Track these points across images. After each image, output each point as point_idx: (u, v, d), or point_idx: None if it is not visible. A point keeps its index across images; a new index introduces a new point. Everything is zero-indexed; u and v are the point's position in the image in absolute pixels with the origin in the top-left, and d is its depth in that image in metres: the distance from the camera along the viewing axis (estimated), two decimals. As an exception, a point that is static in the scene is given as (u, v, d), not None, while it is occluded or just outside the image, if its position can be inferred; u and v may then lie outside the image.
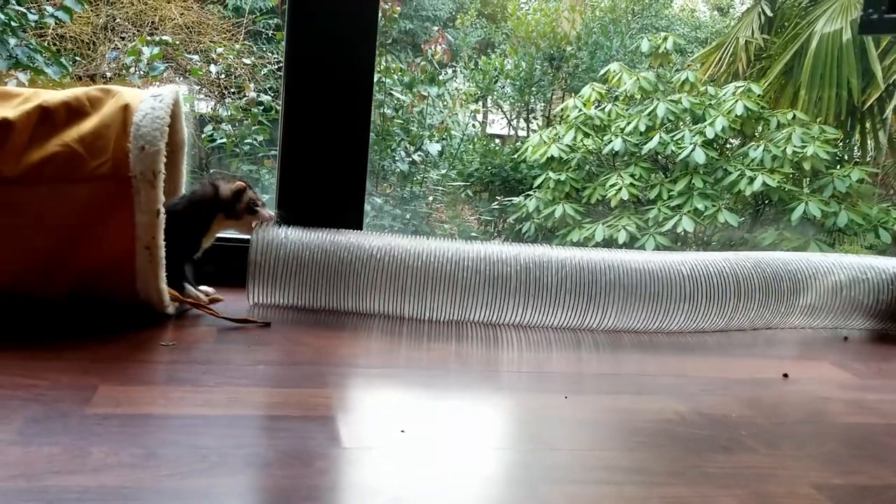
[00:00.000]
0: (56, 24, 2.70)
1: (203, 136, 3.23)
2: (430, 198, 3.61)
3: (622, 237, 3.12)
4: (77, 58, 3.16)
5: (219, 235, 1.28)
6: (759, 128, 3.19)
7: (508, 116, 4.60)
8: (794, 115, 3.11)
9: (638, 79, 3.35)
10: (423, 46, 3.72)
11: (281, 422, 0.89)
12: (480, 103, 4.45)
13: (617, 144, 3.30)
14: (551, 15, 4.21)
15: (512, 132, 4.67)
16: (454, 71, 4.30)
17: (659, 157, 3.36)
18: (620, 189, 3.22)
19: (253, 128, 3.12)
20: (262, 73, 3.30)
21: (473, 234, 3.80)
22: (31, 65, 2.35)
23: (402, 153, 3.34)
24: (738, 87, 3.18)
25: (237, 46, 3.35)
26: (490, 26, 4.69)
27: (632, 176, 3.24)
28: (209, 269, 1.30)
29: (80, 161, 1.03)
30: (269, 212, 1.28)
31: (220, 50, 3.34)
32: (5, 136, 1.03)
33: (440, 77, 3.77)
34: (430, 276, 1.32)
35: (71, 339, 1.09)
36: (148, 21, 3.39)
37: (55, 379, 0.94)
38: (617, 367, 1.25)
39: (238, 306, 1.29)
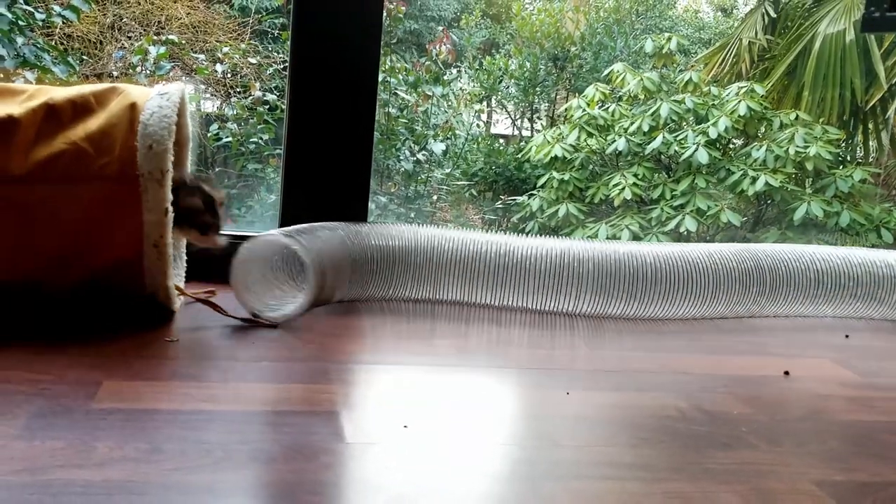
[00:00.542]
0: (63, 23, 2.71)
1: (209, 134, 3.24)
2: (435, 197, 3.61)
3: (625, 237, 3.12)
4: (84, 57, 3.17)
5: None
6: (762, 128, 3.19)
7: (512, 116, 4.60)
8: (797, 116, 3.11)
9: (641, 79, 3.35)
10: (427, 46, 3.73)
11: (285, 417, 0.90)
12: (485, 103, 4.46)
13: (620, 144, 3.30)
14: (555, 15, 4.21)
15: (516, 132, 4.67)
16: (459, 71, 4.31)
17: (662, 156, 3.37)
18: (624, 189, 3.22)
19: (258, 126, 3.13)
20: (268, 72, 3.31)
21: (477, 233, 3.78)
22: (38, 63, 2.36)
23: (407, 152, 3.35)
24: (742, 87, 3.19)
25: (243, 46, 3.36)
26: (495, 26, 4.70)
27: (635, 175, 3.24)
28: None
29: (88, 159, 1.04)
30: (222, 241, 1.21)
31: (225, 49, 3.35)
32: (11, 133, 1.04)
33: (445, 77, 3.78)
34: (443, 262, 1.33)
35: (76, 335, 1.09)
36: (154, 20, 3.40)
37: (60, 374, 0.94)
38: (619, 363, 1.26)
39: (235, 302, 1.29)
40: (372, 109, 1.43)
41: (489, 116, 4.65)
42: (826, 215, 2.92)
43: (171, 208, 1.07)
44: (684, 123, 3.25)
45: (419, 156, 3.37)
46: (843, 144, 3.24)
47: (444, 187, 3.68)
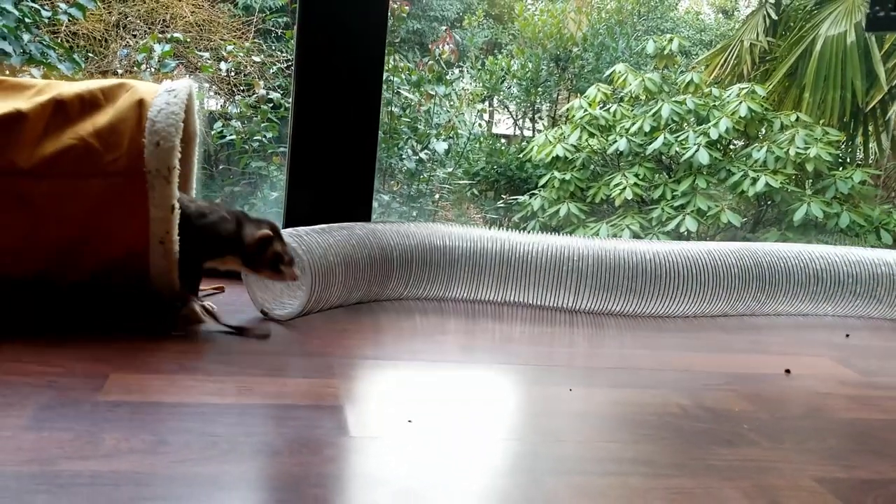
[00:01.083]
0: (69, 20, 2.72)
1: (213, 132, 3.25)
2: (437, 195, 3.62)
3: (626, 237, 3.13)
4: (89, 54, 3.18)
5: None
6: (763, 129, 3.20)
7: (514, 116, 4.61)
8: (798, 117, 3.12)
9: (643, 80, 3.36)
10: (430, 46, 3.74)
11: (290, 411, 0.91)
12: (487, 103, 4.47)
13: (621, 144, 3.31)
14: (558, 16, 4.22)
15: (518, 132, 4.68)
16: (461, 71, 4.32)
17: (663, 157, 3.38)
18: (625, 189, 3.23)
19: (262, 125, 3.14)
20: (272, 70, 3.32)
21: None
22: (44, 61, 2.37)
23: (410, 151, 3.36)
24: (743, 88, 3.19)
25: (247, 44, 3.37)
26: (497, 27, 4.71)
27: (636, 176, 3.25)
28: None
29: (95, 155, 1.04)
30: (296, 271, 1.16)
31: (230, 48, 3.36)
32: (19, 127, 1.04)
33: (447, 76, 3.79)
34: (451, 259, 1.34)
35: (84, 329, 1.10)
36: (159, 19, 3.41)
37: (68, 367, 0.95)
38: (621, 361, 1.26)
39: (242, 300, 1.30)
40: (376, 109, 1.44)
41: (491, 116, 4.66)
42: (826, 216, 2.93)
43: (177, 205, 1.07)
44: (685, 124, 3.25)
45: (422, 155, 3.38)
46: (844, 146, 3.25)
47: (447, 186, 3.69)
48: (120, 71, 3.19)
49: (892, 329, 1.60)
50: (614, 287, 1.42)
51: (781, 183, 2.98)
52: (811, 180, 3.16)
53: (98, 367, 0.96)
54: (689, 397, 1.11)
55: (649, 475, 0.86)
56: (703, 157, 3.07)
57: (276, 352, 1.11)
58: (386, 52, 1.53)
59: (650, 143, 3.25)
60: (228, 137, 3.13)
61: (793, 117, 3.13)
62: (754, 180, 2.97)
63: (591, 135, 3.45)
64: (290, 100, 1.46)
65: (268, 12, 3.45)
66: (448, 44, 3.62)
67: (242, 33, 3.56)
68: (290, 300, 1.26)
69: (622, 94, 3.51)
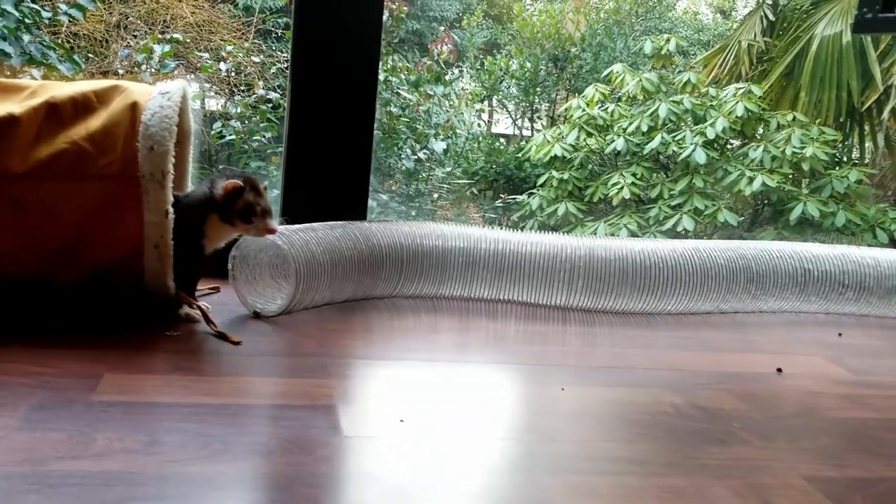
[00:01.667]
0: (69, 21, 2.72)
1: (213, 132, 3.25)
2: (436, 195, 3.63)
3: (623, 235, 3.13)
4: (90, 55, 3.19)
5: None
6: (760, 129, 3.21)
7: (513, 116, 4.61)
8: (794, 117, 3.13)
9: (640, 80, 3.37)
10: (429, 46, 3.74)
11: (284, 411, 0.91)
12: (486, 103, 4.47)
13: (619, 144, 3.32)
14: (556, 16, 4.22)
15: (517, 132, 4.69)
16: (461, 71, 4.32)
17: (660, 156, 3.38)
18: (622, 188, 3.24)
19: (261, 125, 3.14)
20: (272, 71, 3.33)
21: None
22: (44, 61, 2.38)
23: (408, 151, 3.36)
24: (739, 88, 3.20)
25: (246, 45, 3.37)
26: (496, 27, 4.71)
27: (633, 175, 3.26)
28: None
29: (89, 159, 1.05)
30: (272, 224, 1.12)
31: (229, 48, 3.36)
32: (12, 132, 1.05)
33: (446, 77, 3.79)
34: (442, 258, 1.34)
35: (78, 329, 1.11)
36: (160, 19, 3.43)
37: (62, 367, 0.96)
38: (614, 360, 1.27)
39: (237, 300, 1.30)
40: (372, 108, 1.44)
41: (490, 116, 4.66)
42: (822, 215, 2.93)
43: (171, 210, 1.07)
44: (682, 124, 3.26)
45: (420, 154, 3.39)
46: (840, 145, 3.25)
47: (445, 185, 3.70)
48: (121, 71, 3.19)
49: (884, 327, 1.60)
50: (606, 285, 1.42)
51: (778, 182, 2.99)
52: (807, 179, 3.17)
53: (93, 367, 0.96)
54: (681, 396, 1.11)
55: (642, 474, 0.87)
56: (700, 156, 3.08)
57: (270, 352, 1.12)
58: (384, 51, 1.54)
59: (647, 143, 3.26)
60: (228, 137, 3.13)
61: (789, 117, 3.13)
62: (751, 179, 2.98)
63: (589, 134, 3.46)
64: (287, 100, 1.46)
65: (268, 13, 3.46)
66: (447, 44, 3.62)
67: (243, 34, 3.56)
68: (277, 296, 1.26)
69: (620, 93, 3.51)
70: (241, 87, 3.30)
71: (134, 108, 1.06)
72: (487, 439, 0.92)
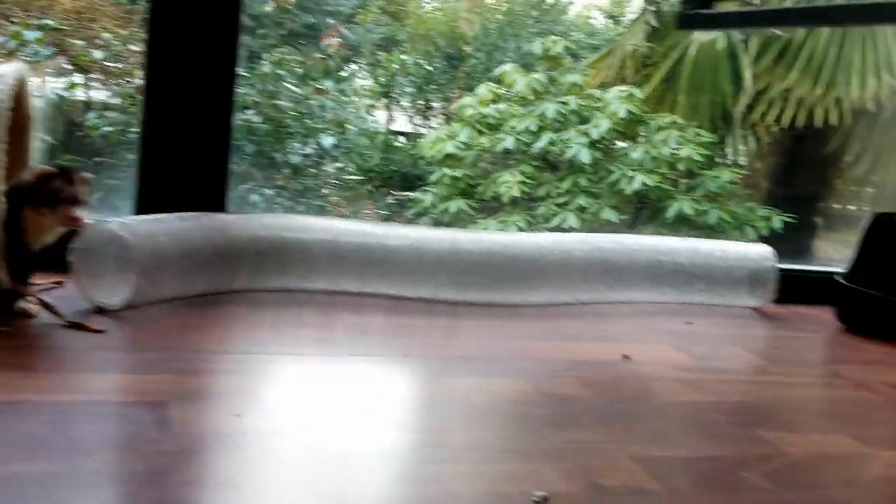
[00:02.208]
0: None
1: (88, 123, 3.13)
2: (326, 191, 3.60)
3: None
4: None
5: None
6: (641, 130, 3.34)
7: (409, 113, 4.63)
8: (673, 119, 3.27)
9: (529, 80, 3.44)
10: (317, 39, 3.71)
11: (111, 408, 0.89)
12: (382, 99, 4.47)
13: (509, 143, 3.38)
14: (451, 15, 4.26)
15: (415, 129, 4.70)
16: (356, 66, 4.31)
17: (548, 156, 3.47)
18: (512, 186, 3.30)
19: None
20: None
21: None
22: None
23: (297, 145, 3.33)
24: (623, 91, 3.32)
25: (124, 33, 3.26)
26: (393, 23, 4.71)
27: (523, 174, 3.33)
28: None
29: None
30: (76, 213, 1.07)
31: (106, 36, 3.25)
32: None
33: (341, 72, 3.76)
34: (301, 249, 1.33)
35: None
36: (37, 5, 3.28)
37: None
38: (473, 351, 1.29)
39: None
40: (230, 94, 1.41)
41: (389, 113, 4.66)
42: (696, 213, 3.08)
43: (2, 199, 1.02)
44: (568, 124, 3.35)
45: (309, 149, 3.36)
46: (714, 147, 3.42)
47: (336, 182, 3.68)
48: (-1, 59, 3.04)
49: (730, 316, 1.69)
50: (471, 277, 1.44)
51: (656, 181, 3.11)
52: (684, 179, 3.32)
53: (-90, 361, 0.91)
54: (532, 384, 1.14)
55: (478, 461, 0.88)
56: (585, 156, 3.18)
57: (110, 347, 1.08)
58: (272, 44, 1.51)
59: (536, 142, 3.33)
60: (104, 129, 3.02)
61: (668, 119, 3.27)
62: (631, 179, 3.10)
63: (481, 133, 3.51)
64: (143, 84, 1.42)
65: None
66: (335, 38, 3.60)
67: (126, 22, 3.45)
68: (123, 290, 1.22)
69: (510, 93, 3.58)
70: (120, 77, 3.19)
71: (-40, 91, 1.01)
72: (328, 432, 0.92)
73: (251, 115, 3.27)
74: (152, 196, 1.40)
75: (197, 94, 1.42)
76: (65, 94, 3.16)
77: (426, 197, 3.59)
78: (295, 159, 3.23)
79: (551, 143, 3.29)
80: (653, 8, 3.63)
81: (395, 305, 1.46)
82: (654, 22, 3.59)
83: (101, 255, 1.21)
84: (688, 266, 1.62)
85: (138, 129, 1.42)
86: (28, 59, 2.96)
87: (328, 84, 3.46)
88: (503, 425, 1.00)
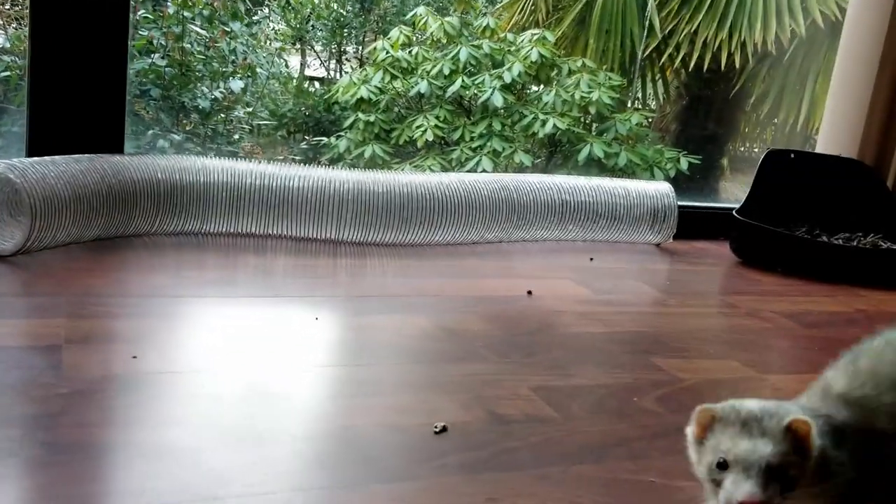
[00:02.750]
0: None
1: (-12, 68, 2.94)
2: (236, 136, 3.51)
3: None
4: None
5: None
6: (553, 74, 3.35)
7: (322, 58, 4.52)
8: (584, 63, 3.29)
9: (442, 23, 3.40)
10: (225, -21, 3.56)
11: (5, 352, 0.86)
12: (295, 44, 4.35)
13: (423, 87, 3.35)
14: (363, -45, 4.14)
15: (329, 74, 4.60)
16: (268, 9, 4.16)
17: (462, 100, 3.45)
18: (426, 131, 3.28)
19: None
20: None
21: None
22: None
23: (205, 89, 3.21)
24: (535, 34, 3.32)
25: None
26: (304, -36, 4.56)
27: (437, 118, 3.31)
28: None
29: None
30: None
31: (-4, -25, 3.04)
32: None
33: (252, 16, 3.63)
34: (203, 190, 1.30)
35: None
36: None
37: None
38: (376, 290, 1.30)
39: None
40: (124, 32, 1.35)
41: (303, 57, 4.54)
42: (606, 156, 3.13)
43: None
44: (482, 68, 3.34)
45: (217, 94, 3.25)
46: (624, 91, 3.47)
47: (247, 127, 3.58)
48: None
49: (632, 252, 1.75)
50: (376, 217, 1.44)
51: (568, 125, 3.14)
52: (595, 123, 3.36)
53: None
54: (436, 321, 1.16)
55: (377, 394, 0.90)
56: (498, 99, 3.18)
57: (1, 292, 1.05)
58: None
59: (450, 86, 3.31)
60: (2, 73, 2.84)
61: (579, 63, 3.29)
62: (543, 122, 3.12)
63: (394, 77, 3.46)
64: (28, 20, 1.34)
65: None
66: (243, -22, 3.46)
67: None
68: (15, 234, 1.18)
69: (424, 37, 3.54)
70: (16, 19, 3.00)
71: None
72: (227, 372, 0.92)
73: (157, 59, 3.14)
74: (45, 138, 1.34)
75: (88, 31, 1.35)
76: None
77: (340, 142, 3.54)
78: (204, 104, 3.12)
79: (465, 86, 3.28)
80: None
81: (300, 246, 1.46)
82: (567, -36, 3.59)
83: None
84: (591, 204, 1.66)
85: (27, 67, 1.35)
86: None
87: (237, 27, 3.35)
88: (403, 361, 1.02)
